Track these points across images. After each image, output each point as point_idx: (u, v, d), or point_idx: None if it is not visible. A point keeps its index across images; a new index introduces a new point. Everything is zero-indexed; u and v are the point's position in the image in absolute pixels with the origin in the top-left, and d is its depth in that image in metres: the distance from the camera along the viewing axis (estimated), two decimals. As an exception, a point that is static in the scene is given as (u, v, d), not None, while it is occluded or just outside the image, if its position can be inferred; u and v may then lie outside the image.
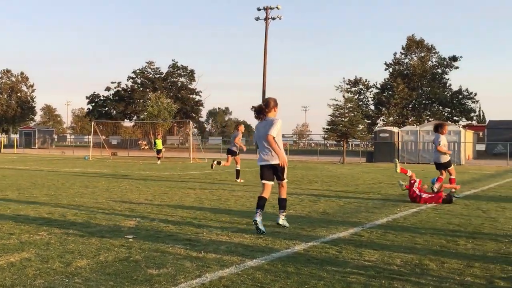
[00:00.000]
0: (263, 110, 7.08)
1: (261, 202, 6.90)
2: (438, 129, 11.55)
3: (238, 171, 15.53)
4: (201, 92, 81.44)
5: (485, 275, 4.80)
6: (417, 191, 10.49)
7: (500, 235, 6.90)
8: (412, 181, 10.65)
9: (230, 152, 15.73)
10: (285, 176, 7.05)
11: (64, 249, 5.58)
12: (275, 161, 6.92)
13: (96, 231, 6.71)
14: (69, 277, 4.50)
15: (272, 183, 7.08)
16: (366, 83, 67.75)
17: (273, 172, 7.02)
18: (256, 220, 6.68)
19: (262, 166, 7.04)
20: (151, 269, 4.77)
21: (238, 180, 15.28)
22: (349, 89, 65.76)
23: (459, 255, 5.60)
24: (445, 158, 11.42)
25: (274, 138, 6.82)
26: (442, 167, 11.48)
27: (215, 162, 16.08)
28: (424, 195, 10.44)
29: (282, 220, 7.14)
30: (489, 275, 4.81)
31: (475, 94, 63.59)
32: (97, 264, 4.94)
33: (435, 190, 10.67)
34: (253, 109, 7.44)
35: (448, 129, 38.47)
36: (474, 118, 67.56)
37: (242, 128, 16.50)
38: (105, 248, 5.67)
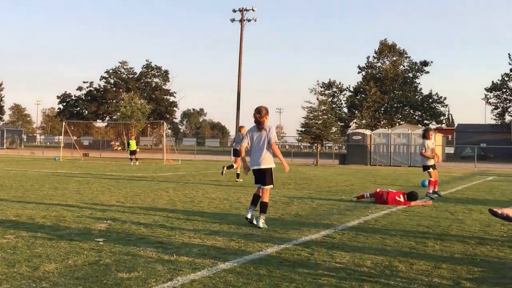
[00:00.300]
0: (257, 117, 7.59)
1: (255, 199, 7.68)
2: (424, 134, 12.97)
3: (228, 166, 17.01)
4: (176, 93, 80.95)
5: (452, 276, 4.91)
6: (382, 189, 10.92)
7: (467, 236, 7.06)
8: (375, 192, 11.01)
9: (236, 153, 16.51)
10: (268, 182, 7.55)
11: (31, 252, 5.47)
12: (264, 166, 7.52)
13: (66, 234, 6.60)
14: (36, 281, 4.41)
15: (258, 186, 7.70)
16: (339, 86, 68.42)
17: (261, 176, 7.56)
18: (247, 218, 7.54)
19: (254, 170, 7.62)
20: (121, 273, 4.72)
21: (238, 180, 15.90)
22: (323, 92, 66.29)
23: (427, 257, 5.71)
24: (428, 162, 12.57)
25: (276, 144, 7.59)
26: (423, 169, 12.76)
27: (225, 168, 17.05)
28: (391, 189, 11.04)
29: (262, 224, 7.44)
30: (455, 276, 4.91)
31: (445, 98, 65.03)
32: (65, 268, 4.86)
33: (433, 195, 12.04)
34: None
35: (418, 132, 39.23)
36: (444, 121, 69.02)
37: (244, 130, 16.67)
38: (74, 251, 5.58)
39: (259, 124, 7.57)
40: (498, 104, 62.58)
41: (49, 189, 12.54)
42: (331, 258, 5.51)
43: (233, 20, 46.47)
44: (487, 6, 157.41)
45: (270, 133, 7.47)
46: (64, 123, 40.11)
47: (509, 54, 61.76)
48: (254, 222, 7.45)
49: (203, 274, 4.74)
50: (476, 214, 9.41)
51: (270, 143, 7.45)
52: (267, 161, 7.49)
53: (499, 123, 62.32)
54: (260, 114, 7.53)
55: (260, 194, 7.59)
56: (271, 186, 7.64)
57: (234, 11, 46.42)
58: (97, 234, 6.63)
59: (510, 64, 61.81)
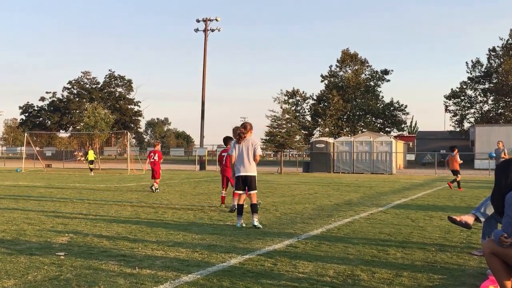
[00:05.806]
0: (242, 133, 8.65)
1: (240, 209, 8.66)
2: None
3: None
4: (140, 102, 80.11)
5: (412, 284, 5.01)
6: None
7: (428, 243, 7.22)
8: None
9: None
10: (253, 187, 8.69)
11: (-11, 269, 5.31)
12: (249, 173, 8.67)
13: (26, 248, 6.44)
14: (-7, 299, 4.29)
15: (242, 192, 8.71)
16: (303, 94, 69.16)
17: (244, 183, 8.65)
18: (242, 227, 8.39)
19: (238, 177, 8.67)
20: (82, 288, 4.63)
21: None
22: (286, 101, 66.93)
23: (389, 265, 5.81)
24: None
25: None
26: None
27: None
28: None
29: (256, 222, 8.47)
30: (416, 284, 5.01)
31: (406, 106, 66.58)
32: (25, 284, 4.74)
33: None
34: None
35: (380, 140, 40.05)
36: (405, 129, 70.61)
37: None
38: (34, 266, 5.45)
39: (240, 137, 8.63)
40: (456, 112, 64.51)
41: (9, 201, 12.19)
42: (294, 268, 5.55)
43: (196, 30, 46.36)
44: (446, 15, 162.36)
45: (257, 147, 8.70)
46: (26, 134, 39.15)
47: (466, 62, 63.92)
48: (255, 225, 8.41)
49: (166, 287, 4.70)
50: (437, 221, 9.64)
51: (255, 155, 8.64)
52: (252, 169, 8.67)
53: (458, 130, 64.23)
54: (245, 129, 8.65)
55: (241, 203, 8.67)
56: (256, 191, 8.73)
57: (198, 21, 46.29)
58: (58, 248, 6.49)
59: (467, 72, 63.95)
